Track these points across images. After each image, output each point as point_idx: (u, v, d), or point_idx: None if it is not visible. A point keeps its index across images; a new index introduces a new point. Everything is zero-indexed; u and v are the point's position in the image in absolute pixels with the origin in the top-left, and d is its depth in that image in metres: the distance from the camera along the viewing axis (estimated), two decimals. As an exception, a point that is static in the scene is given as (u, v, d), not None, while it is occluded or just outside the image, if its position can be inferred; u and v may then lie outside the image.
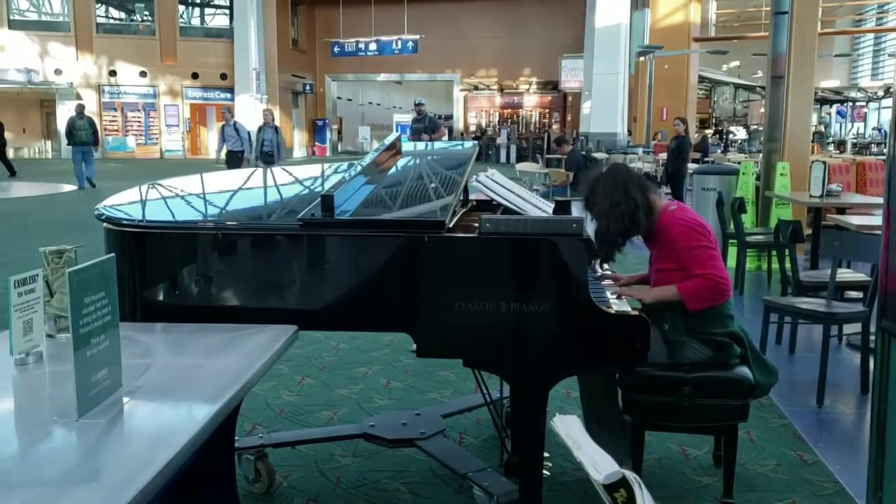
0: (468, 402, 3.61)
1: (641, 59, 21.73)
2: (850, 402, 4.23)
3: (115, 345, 1.74)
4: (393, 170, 3.19)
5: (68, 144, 17.18)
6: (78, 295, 1.58)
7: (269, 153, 13.07)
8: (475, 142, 3.64)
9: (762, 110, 25.01)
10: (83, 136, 16.40)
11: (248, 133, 13.69)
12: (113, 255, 1.73)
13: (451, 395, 4.07)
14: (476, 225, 2.45)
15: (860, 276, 5.04)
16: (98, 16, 30.22)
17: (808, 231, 7.75)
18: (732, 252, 6.99)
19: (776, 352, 4.92)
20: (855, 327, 4.53)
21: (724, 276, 2.81)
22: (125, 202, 2.75)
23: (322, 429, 3.48)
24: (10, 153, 31.06)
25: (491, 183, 2.85)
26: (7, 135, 29.21)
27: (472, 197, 3.47)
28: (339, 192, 2.50)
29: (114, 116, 30.58)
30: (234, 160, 13.35)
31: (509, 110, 34.55)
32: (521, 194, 3.00)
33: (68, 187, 16.80)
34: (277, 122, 15.07)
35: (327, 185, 2.74)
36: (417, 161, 3.50)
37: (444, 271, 2.40)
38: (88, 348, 1.62)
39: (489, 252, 2.40)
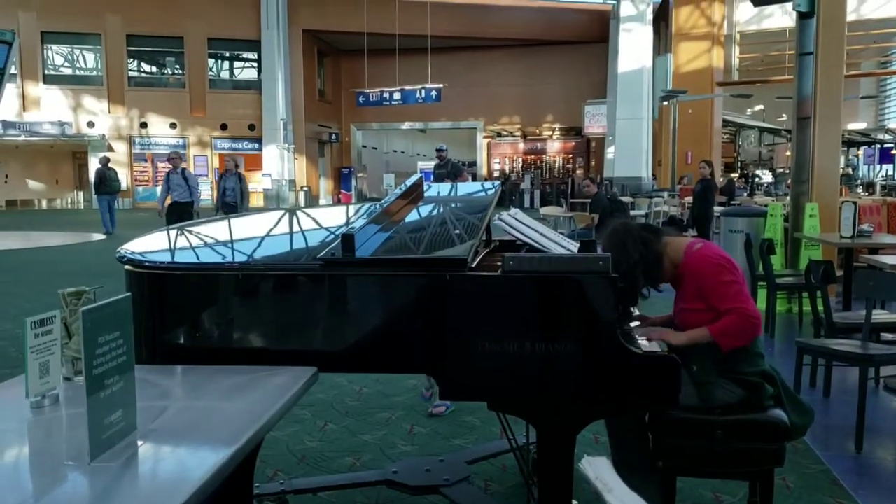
0: (493, 448, 3.53)
1: (665, 103, 21.78)
2: (890, 447, 4.07)
3: (131, 386, 1.71)
4: (414, 211, 3.17)
5: (98, 194, 17.80)
6: (91, 335, 1.56)
7: (231, 203, 12.07)
8: (497, 183, 3.61)
9: (788, 153, 24.84)
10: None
11: (198, 182, 12.50)
12: (129, 294, 1.70)
13: (476, 441, 3.98)
14: (499, 264, 2.41)
15: (896, 318, 4.91)
16: (130, 69, 31.01)
17: (838, 272, 7.62)
18: (762, 294, 6.87)
19: (810, 395, 4.78)
20: (892, 370, 4.39)
21: (755, 311, 2.72)
22: (146, 245, 2.75)
23: (344, 475, 3.40)
24: (44, 204, 31.96)
25: (514, 221, 2.81)
26: (40, 185, 29.99)
27: (495, 237, 3.43)
28: (360, 233, 2.48)
29: (144, 167, 31.16)
30: (180, 212, 11.65)
31: (532, 156, 34.71)
32: (545, 233, 2.95)
33: (98, 236, 17.08)
34: (243, 168, 14.71)
35: (348, 226, 2.71)
36: (439, 202, 3.47)
37: (467, 311, 2.34)
38: (102, 390, 1.59)
39: (513, 291, 2.34)
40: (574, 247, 3.06)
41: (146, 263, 2.45)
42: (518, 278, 2.32)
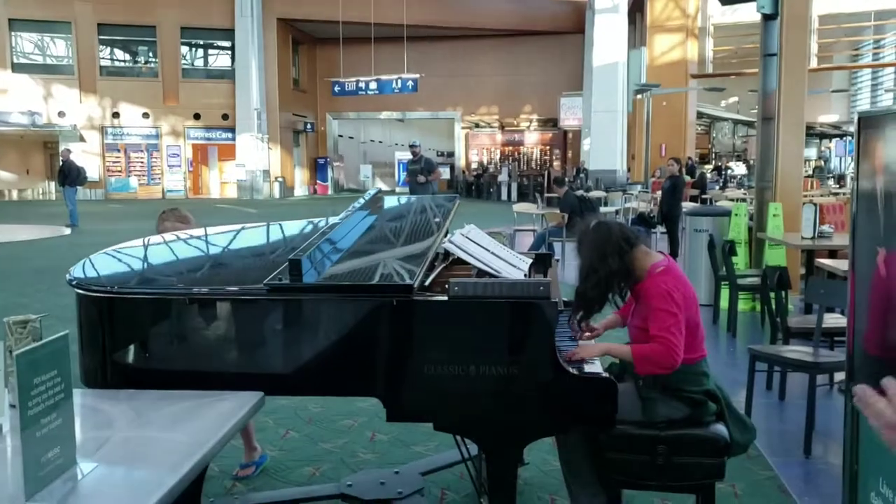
0: (450, 458, 3.58)
1: (639, 96, 21.91)
2: (838, 451, 4.13)
3: (69, 422, 1.73)
4: (367, 230, 3.20)
5: (70, 185, 17.44)
6: (26, 377, 1.58)
7: None
8: (456, 196, 3.66)
9: (760, 145, 25.03)
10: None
11: None
12: (66, 332, 1.73)
13: (437, 447, 4.03)
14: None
15: (849, 322, 5.01)
16: (102, 58, 30.62)
17: (802, 271, 7.75)
18: (725, 293, 6.98)
19: (766, 398, 4.88)
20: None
21: (678, 346, 2.71)
22: (95, 268, 2.76)
23: (298, 489, 3.43)
24: (14, 194, 31.54)
25: (464, 242, 2.86)
26: (10, 176, 29.64)
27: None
28: (308, 256, 2.51)
29: (117, 157, 30.84)
30: None
31: (510, 147, 34.76)
32: (497, 252, 3.01)
33: (65, 230, 16.89)
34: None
35: (297, 245, 2.74)
36: (394, 219, 3.51)
37: (413, 335, 2.40)
38: (38, 428, 1.62)
39: (457, 315, 2.40)
40: (526, 264, 3.11)
41: (94, 287, 2.47)
42: (461, 303, 2.37)
